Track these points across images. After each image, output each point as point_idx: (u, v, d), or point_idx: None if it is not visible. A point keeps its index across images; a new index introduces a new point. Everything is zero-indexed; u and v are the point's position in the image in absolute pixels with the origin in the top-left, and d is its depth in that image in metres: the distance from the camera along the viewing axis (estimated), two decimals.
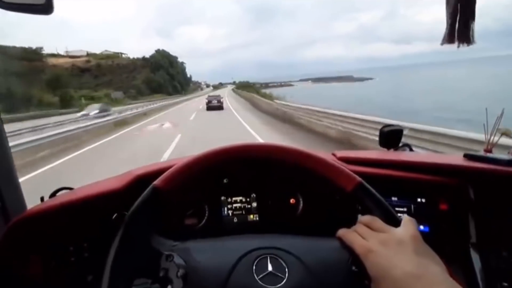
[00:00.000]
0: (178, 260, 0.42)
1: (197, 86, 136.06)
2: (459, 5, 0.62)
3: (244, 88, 55.47)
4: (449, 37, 0.64)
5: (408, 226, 0.40)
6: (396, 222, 0.42)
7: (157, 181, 0.48)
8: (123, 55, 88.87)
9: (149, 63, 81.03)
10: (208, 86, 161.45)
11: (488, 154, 0.74)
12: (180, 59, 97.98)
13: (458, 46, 0.64)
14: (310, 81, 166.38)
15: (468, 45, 0.63)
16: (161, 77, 77.96)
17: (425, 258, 0.36)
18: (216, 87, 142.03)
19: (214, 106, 19.14)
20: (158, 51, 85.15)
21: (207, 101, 20.02)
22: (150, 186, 0.47)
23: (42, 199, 0.70)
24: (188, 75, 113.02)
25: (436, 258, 0.37)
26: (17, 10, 0.50)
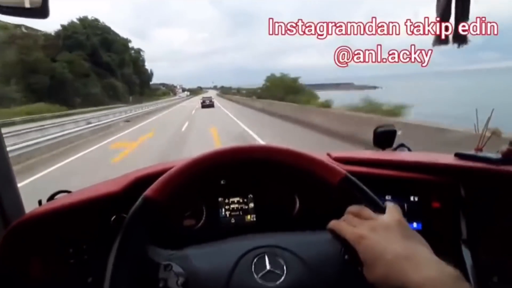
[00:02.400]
0: (176, 269, 0.42)
1: (169, 90, 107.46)
2: (452, 5, 0.61)
3: (288, 94, 17.43)
4: (443, 38, 0.63)
5: (392, 212, 0.42)
6: (381, 210, 0.44)
7: (148, 191, 0.46)
8: (39, 32, 35.57)
9: (57, 39, 36.99)
10: (184, 90, 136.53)
11: (479, 153, 0.75)
12: (132, 44, 56.13)
13: (459, 47, 0.64)
14: None
15: (462, 45, 0.63)
16: (71, 65, 34.28)
17: (412, 240, 0.38)
18: (194, 92, 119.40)
19: (207, 104, 25.18)
20: (82, 20, 42.56)
21: (201, 101, 26.99)
22: (141, 197, 0.45)
23: (40, 202, 0.70)
24: (149, 70, 65.98)
25: (421, 239, 0.40)
26: (14, 15, 0.51)
